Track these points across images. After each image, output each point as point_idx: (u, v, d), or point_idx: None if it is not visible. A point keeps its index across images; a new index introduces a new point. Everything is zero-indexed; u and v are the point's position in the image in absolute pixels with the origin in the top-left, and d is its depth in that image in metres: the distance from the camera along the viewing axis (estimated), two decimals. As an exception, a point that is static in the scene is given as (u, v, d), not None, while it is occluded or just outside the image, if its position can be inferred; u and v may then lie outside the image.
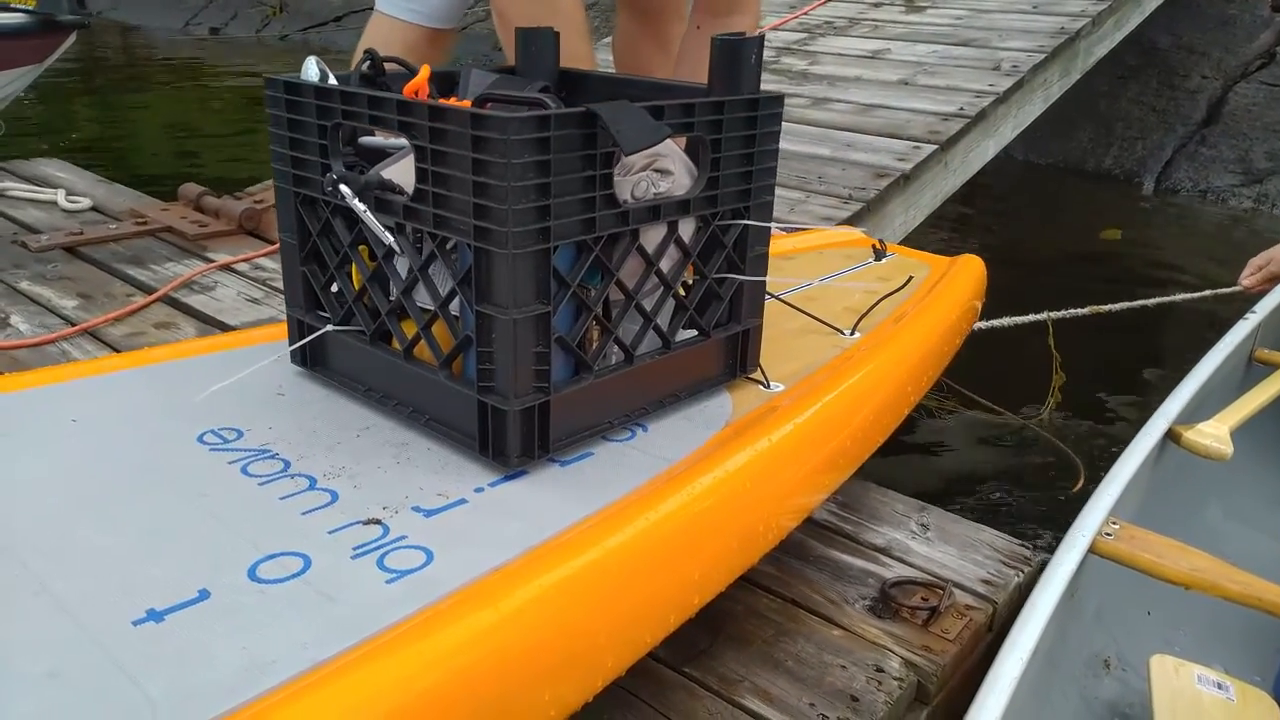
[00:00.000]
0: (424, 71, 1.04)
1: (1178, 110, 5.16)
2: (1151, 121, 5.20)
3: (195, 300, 2.05)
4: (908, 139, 2.67)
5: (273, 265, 2.28)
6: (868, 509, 1.45)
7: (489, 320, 0.96)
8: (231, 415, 1.12)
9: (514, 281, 0.94)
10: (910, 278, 1.63)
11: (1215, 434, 1.51)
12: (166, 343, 1.84)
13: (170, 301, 2.04)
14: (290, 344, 1.22)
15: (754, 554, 1.09)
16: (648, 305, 1.11)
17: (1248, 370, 1.91)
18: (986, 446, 2.44)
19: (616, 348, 1.10)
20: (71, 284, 2.10)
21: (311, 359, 1.21)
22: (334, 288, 1.16)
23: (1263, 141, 4.86)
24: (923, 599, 1.24)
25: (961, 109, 2.77)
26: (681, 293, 1.16)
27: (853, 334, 1.47)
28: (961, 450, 2.42)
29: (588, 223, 0.99)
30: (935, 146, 2.60)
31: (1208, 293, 2.25)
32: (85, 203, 2.61)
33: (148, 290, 2.09)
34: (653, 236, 1.09)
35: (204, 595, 0.79)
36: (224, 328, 1.92)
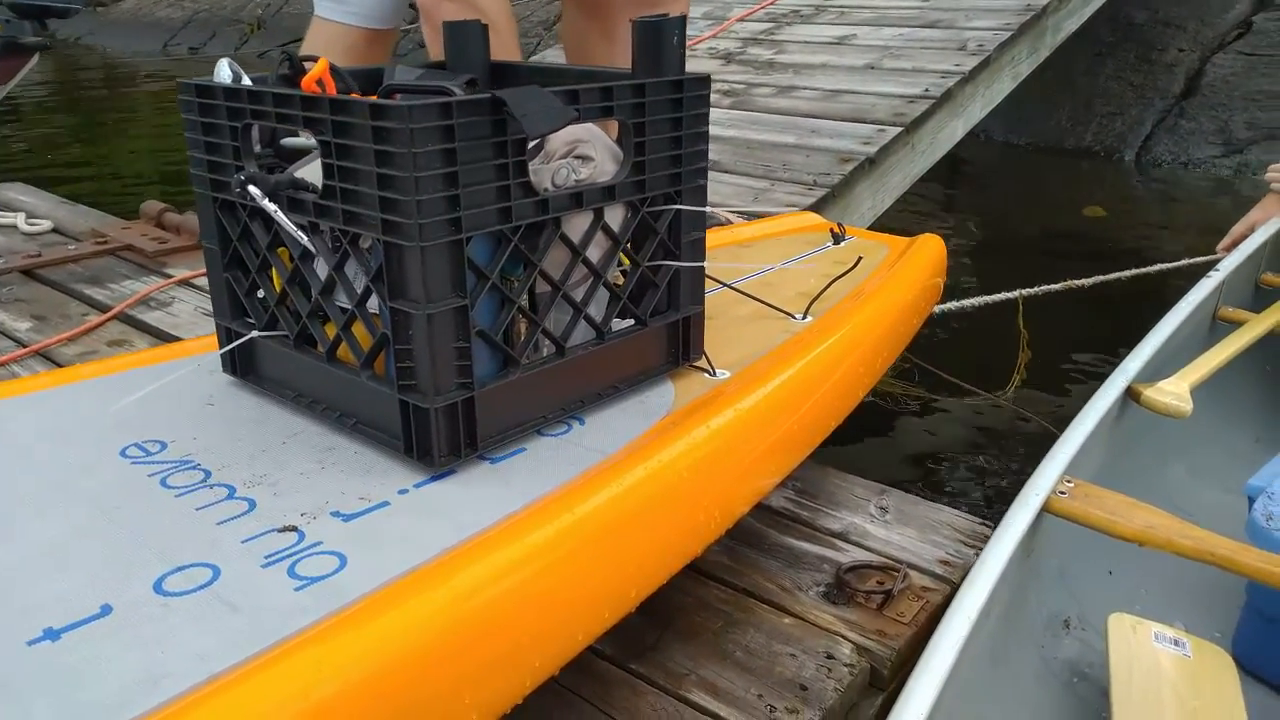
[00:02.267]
0: (322, 63, 1.02)
1: (1156, 84, 5.13)
2: (1130, 96, 5.17)
3: (151, 317, 2.02)
4: (872, 123, 2.65)
5: (233, 278, 2.25)
6: (826, 494, 1.42)
7: (404, 316, 0.94)
8: (157, 428, 1.09)
9: (426, 275, 0.91)
10: (860, 258, 1.60)
11: (1175, 391, 1.49)
12: (119, 360, 1.82)
13: (126, 319, 2.02)
14: (221, 352, 1.20)
15: (697, 545, 1.07)
16: (578, 295, 1.08)
17: (1211, 329, 1.89)
18: (955, 427, 2.41)
19: (547, 340, 1.07)
20: (27, 306, 2.08)
21: (241, 367, 1.19)
22: (259, 293, 1.14)
23: (1242, 111, 4.83)
24: (878, 583, 1.21)
25: (927, 90, 2.75)
26: (620, 282, 1.14)
27: (804, 318, 1.45)
28: (929, 433, 2.39)
29: (504, 212, 0.96)
30: (900, 129, 2.57)
31: (1184, 262, 2.22)
32: (45, 225, 2.58)
33: (104, 309, 2.06)
34: (578, 225, 1.06)
35: (105, 611, 0.77)
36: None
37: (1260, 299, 2.03)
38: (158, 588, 0.80)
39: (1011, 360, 2.51)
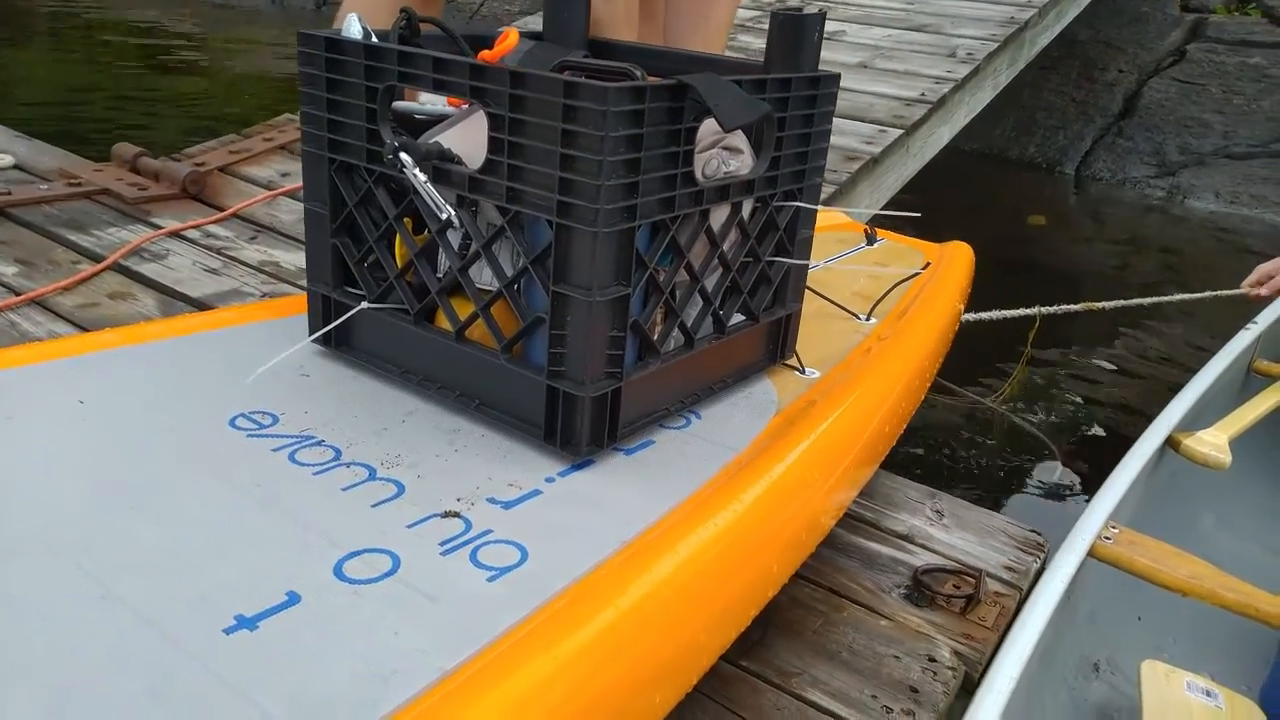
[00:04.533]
0: (512, 36, 0.97)
1: (1096, 102, 5.35)
2: (1072, 112, 5.37)
3: (148, 269, 1.91)
4: (873, 122, 2.68)
5: (225, 233, 2.14)
6: (882, 496, 1.45)
7: (566, 301, 0.91)
8: (259, 398, 1.03)
9: (597, 261, 0.89)
10: (927, 264, 1.63)
11: (1214, 443, 1.53)
12: (128, 314, 1.72)
13: (121, 270, 1.90)
14: (312, 321, 1.14)
15: (814, 543, 1.08)
16: (708, 288, 1.07)
17: (1246, 380, 1.94)
18: (950, 432, 2.48)
19: (677, 332, 1.06)
20: (8, 248, 1.93)
21: (336, 338, 1.13)
22: (368, 262, 1.09)
23: (1175, 135, 5.08)
24: (954, 586, 1.24)
25: (923, 94, 2.80)
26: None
27: (869, 320, 1.46)
28: (926, 435, 2.46)
29: (668, 201, 0.94)
30: (901, 131, 2.62)
31: (1207, 294, 2.28)
32: (7, 160, 2.41)
33: (93, 257, 1.94)
34: (718, 217, 1.05)
35: (294, 599, 0.73)
36: (186, 299, 1.80)
37: None
38: (340, 574, 0.76)
39: (992, 368, 2.59)
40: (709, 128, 1.06)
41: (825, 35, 3.17)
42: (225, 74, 6.25)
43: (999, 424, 2.44)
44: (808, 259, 1.21)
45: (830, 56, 3.17)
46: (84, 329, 1.66)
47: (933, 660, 1.10)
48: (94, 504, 0.82)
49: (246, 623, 0.70)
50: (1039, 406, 2.60)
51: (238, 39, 7.33)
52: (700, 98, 0.87)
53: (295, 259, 2.02)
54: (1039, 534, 1.40)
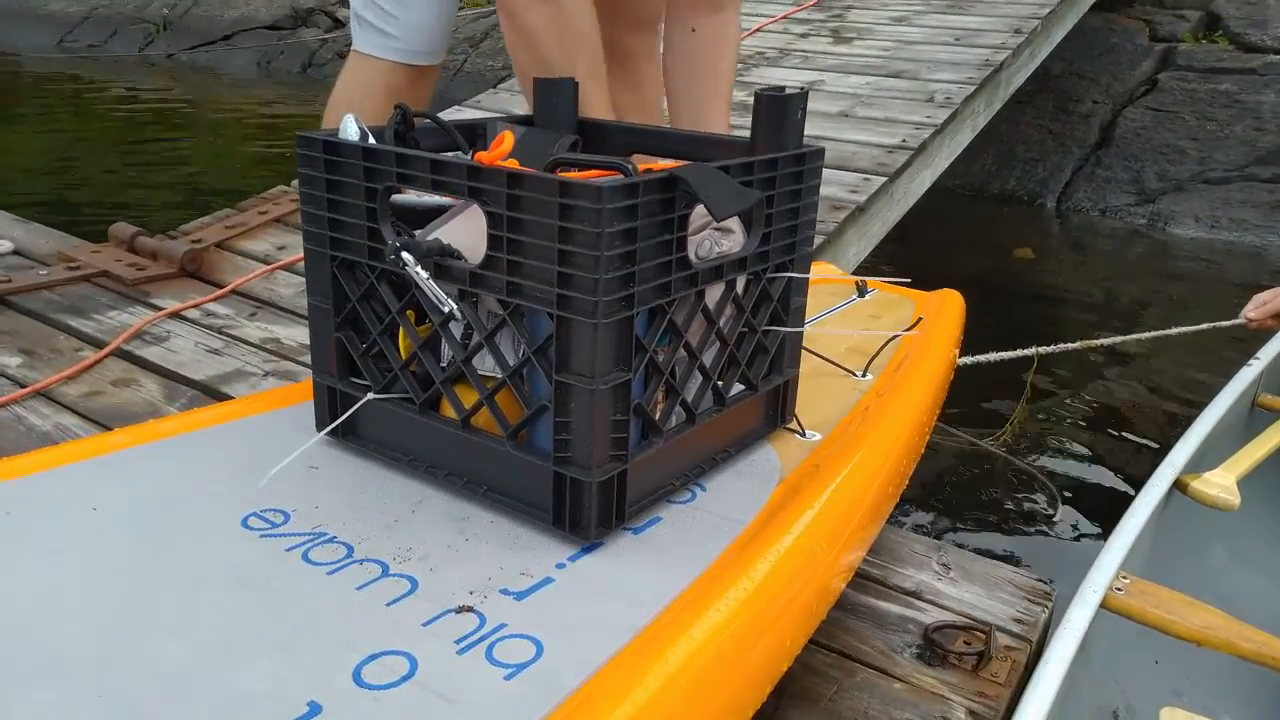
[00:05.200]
0: (507, 141, 1.00)
1: (1073, 133, 5.43)
2: (1050, 145, 5.45)
3: (150, 353, 1.93)
4: (856, 170, 2.73)
5: (225, 310, 2.17)
6: (888, 550, 1.46)
7: (569, 390, 0.93)
8: (270, 496, 1.05)
9: (598, 350, 0.91)
10: (920, 319, 1.65)
11: (1222, 484, 1.52)
12: (132, 401, 1.73)
13: (123, 354, 1.92)
14: (318, 412, 1.16)
15: (824, 611, 1.09)
16: (706, 362, 1.09)
17: (1250, 416, 1.92)
18: (951, 476, 2.49)
19: (678, 408, 1.08)
20: (10, 339, 1.95)
21: (343, 429, 1.15)
22: (372, 353, 1.10)
23: (1152, 163, 5.16)
24: (965, 643, 1.25)
25: (904, 141, 2.85)
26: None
27: (865, 376, 1.48)
28: (927, 481, 2.47)
29: (664, 287, 0.97)
30: (884, 178, 2.66)
31: (1206, 325, 2.27)
32: (7, 246, 2.43)
33: (94, 343, 1.96)
34: (713, 295, 1.07)
35: (315, 709, 0.74)
36: (189, 383, 1.81)
37: None
38: (358, 680, 0.77)
39: (986, 407, 2.61)
40: (701, 211, 1.09)
41: (806, 85, 3.19)
42: (214, 143, 6.32)
43: (1000, 466, 2.45)
44: (802, 325, 1.23)
45: (812, 106, 3.22)
46: (89, 418, 1.67)
47: (947, 722, 1.11)
48: (109, 620, 0.83)
49: (271, 736, 0.71)
50: (1040, 446, 2.62)
51: (225, 106, 7.41)
52: (691, 189, 0.90)
53: (296, 334, 2.04)
54: (1046, 583, 1.42)
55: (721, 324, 1.09)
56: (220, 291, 2.25)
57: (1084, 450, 2.65)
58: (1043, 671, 1.09)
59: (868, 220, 2.62)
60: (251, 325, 2.09)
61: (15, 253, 2.43)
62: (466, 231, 1.01)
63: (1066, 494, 2.37)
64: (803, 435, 1.27)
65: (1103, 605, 1.24)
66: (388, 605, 0.87)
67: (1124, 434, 2.75)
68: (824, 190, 2.64)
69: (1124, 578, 1.28)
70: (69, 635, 0.81)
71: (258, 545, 0.96)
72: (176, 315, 2.12)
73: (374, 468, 1.11)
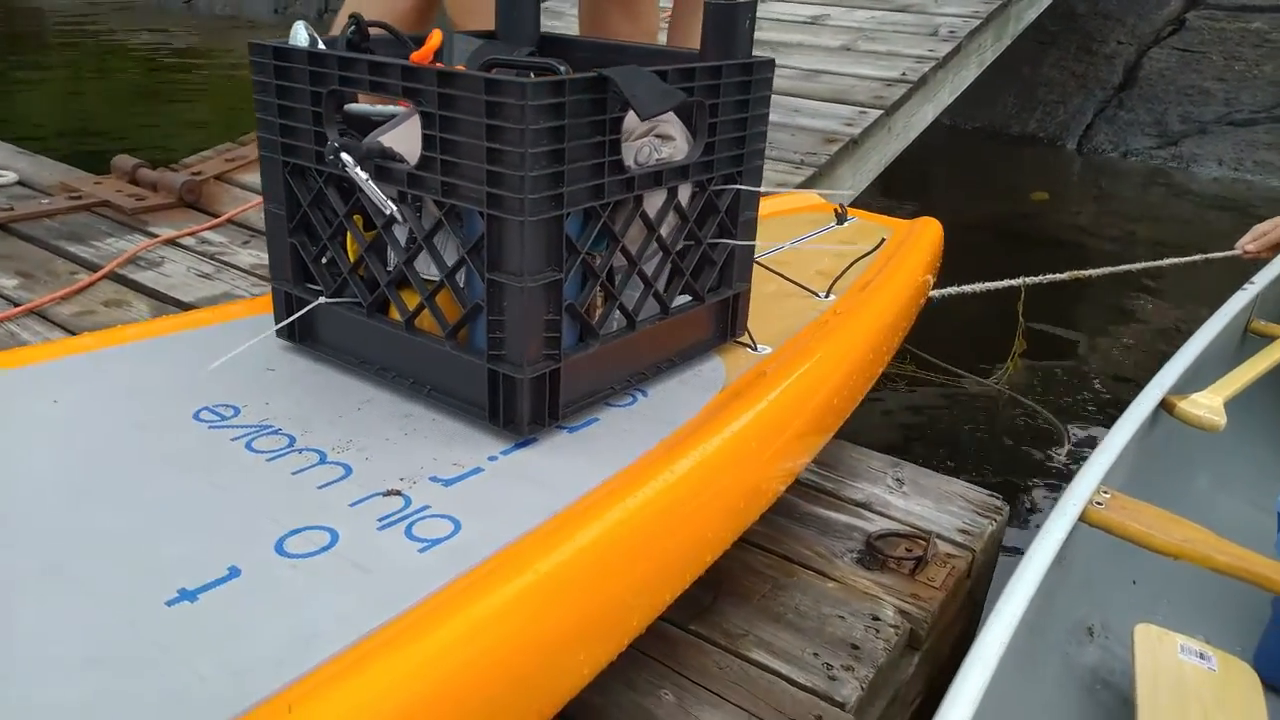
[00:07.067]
0: (435, 37, 1.02)
1: (1096, 75, 5.32)
2: (1072, 86, 5.35)
3: (144, 277, 1.98)
4: (853, 104, 2.71)
5: (219, 239, 2.21)
6: (845, 466, 1.49)
7: (501, 288, 0.96)
8: (224, 392, 1.09)
9: (527, 249, 0.93)
10: (882, 240, 1.66)
11: (1209, 405, 1.50)
12: (122, 321, 1.78)
13: (117, 278, 1.97)
14: (277, 318, 1.20)
15: (755, 511, 1.12)
16: (648, 271, 1.12)
17: (1243, 341, 1.89)
18: (947, 410, 2.50)
19: (618, 314, 1.10)
20: (9, 262, 2.01)
21: (300, 333, 1.19)
22: (325, 258, 1.14)
23: (1176, 105, 5.05)
24: (907, 549, 1.28)
25: (904, 74, 2.82)
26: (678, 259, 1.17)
27: (828, 296, 1.50)
28: (923, 413, 2.48)
29: (596, 189, 0.99)
30: (880, 111, 2.64)
31: (1198, 257, 2.22)
32: (11, 177, 2.49)
33: (91, 267, 2.01)
34: (653, 202, 1.09)
35: (234, 573, 0.78)
36: (179, 304, 1.86)
37: None
38: (280, 550, 0.82)
39: (988, 344, 2.60)
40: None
41: (810, 20, 3.18)
42: (228, 82, 6.34)
43: (1001, 402, 2.45)
44: (753, 239, 1.25)
45: (814, 40, 3.20)
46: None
47: (876, 619, 1.14)
48: (54, 498, 0.88)
49: (188, 595, 0.75)
50: (1041, 381, 2.61)
51: (241, 50, 7.43)
52: (618, 88, 0.92)
53: (284, 261, 2.07)
54: (998, 498, 1.44)
55: (663, 232, 1.11)
56: (216, 220, 2.29)
57: (1086, 382, 2.65)
58: (1017, 580, 1.09)
59: (863, 154, 2.61)
60: (244, 252, 2.13)
61: (19, 183, 2.49)
62: (408, 136, 1.03)
63: (1068, 424, 2.37)
64: (754, 349, 1.30)
65: (1082, 519, 1.24)
66: (319, 488, 0.91)
67: (1126, 365, 2.74)
68: (818, 123, 2.65)
69: (1105, 492, 1.27)
70: (14, 510, 0.86)
71: (205, 435, 1.01)
72: (172, 242, 2.16)
73: (327, 370, 1.15)
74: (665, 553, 0.94)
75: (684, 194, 1.13)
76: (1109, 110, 5.21)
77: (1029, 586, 1.08)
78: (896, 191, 4.45)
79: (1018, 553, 1.18)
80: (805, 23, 3.37)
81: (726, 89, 1.11)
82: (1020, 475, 2.22)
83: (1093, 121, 5.20)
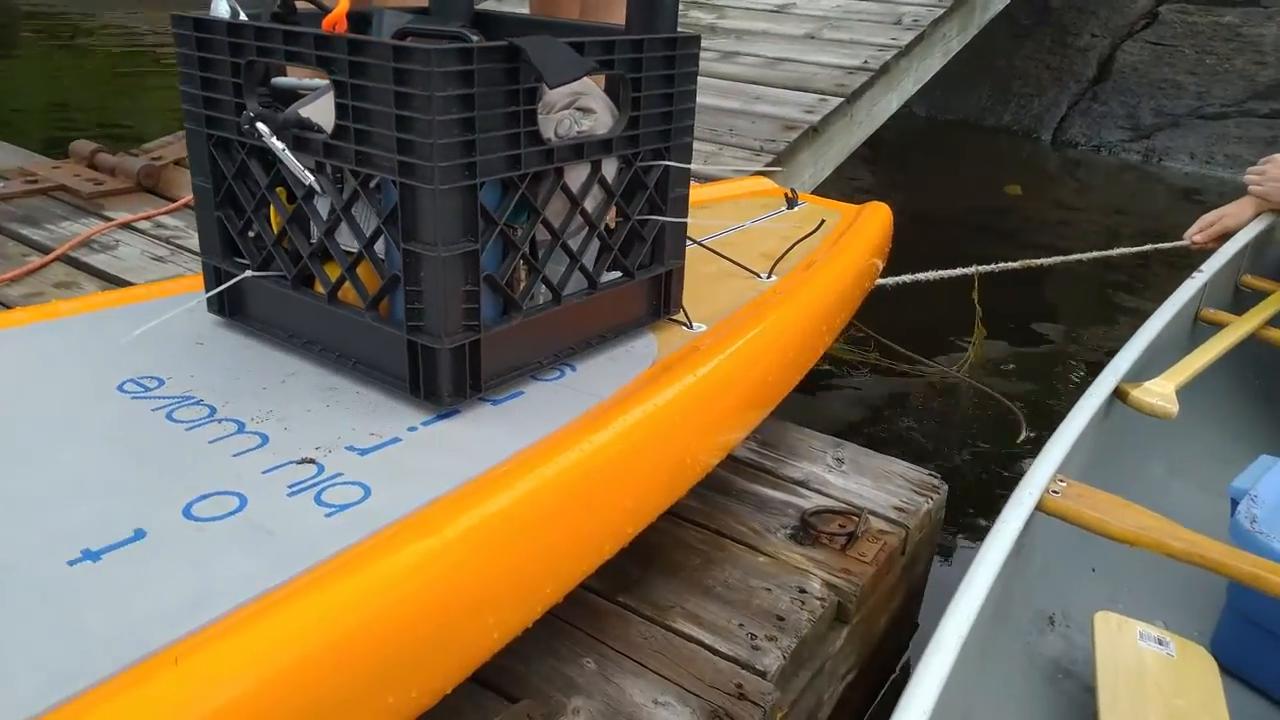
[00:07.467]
0: (342, 4, 1.03)
1: (1071, 68, 5.35)
2: (1047, 79, 5.38)
3: (97, 260, 1.97)
4: (814, 92, 2.72)
5: (175, 223, 2.21)
6: (787, 446, 1.50)
7: (417, 259, 0.96)
8: (151, 365, 1.09)
9: (440, 218, 0.94)
10: (822, 222, 1.67)
11: (1161, 392, 1.52)
12: (69, 302, 1.78)
13: (70, 261, 1.97)
14: (207, 292, 1.20)
15: (682, 486, 1.13)
16: (573, 245, 1.12)
17: (1193, 329, 1.91)
18: (906, 396, 2.51)
19: (544, 288, 1.11)
20: (-40, 245, 2.00)
21: (230, 308, 1.19)
22: (252, 232, 1.14)
23: (1149, 98, 5.08)
24: (840, 526, 1.29)
25: (865, 62, 2.83)
26: (605, 234, 1.18)
27: (769, 277, 1.51)
28: (883, 400, 2.49)
29: (513, 159, 0.99)
30: (841, 99, 2.65)
31: (1149, 247, 2.25)
32: (-32, 161, 2.48)
33: (44, 250, 2.00)
34: (576, 176, 1.10)
35: (140, 535, 0.79)
36: (129, 287, 1.86)
37: (1240, 300, 2.04)
38: (188, 513, 0.82)
39: (953, 334, 2.62)
40: (564, 89, 1.11)
41: (776, 8, 3.19)
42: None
43: (962, 390, 2.46)
44: (684, 216, 1.26)
45: (778, 29, 3.21)
46: (25, 317, 1.72)
47: (803, 591, 1.15)
48: (-29, 461, 0.88)
49: (90, 555, 0.76)
50: (1002, 369, 2.63)
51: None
52: (527, 57, 0.92)
53: (239, 245, 2.07)
54: (936, 477, 1.45)
55: (589, 207, 1.12)
56: (173, 205, 2.28)
57: (1044, 370, 2.67)
58: (975, 569, 1.09)
59: (824, 142, 2.62)
60: (200, 236, 2.13)
61: (-23, 167, 2.47)
62: (329, 108, 1.04)
63: (1028, 413, 2.39)
64: (689, 326, 1.30)
65: (1039, 508, 1.24)
66: (234, 456, 0.92)
67: (1084, 354, 2.77)
68: (778, 110, 2.66)
69: (1061, 481, 1.28)
70: (-76, 476, 0.86)
71: (127, 405, 1.01)
72: (127, 226, 2.16)
73: (257, 344, 1.16)
74: (581, 522, 0.94)
75: (611, 169, 1.14)
76: (1083, 103, 5.24)
77: (987, 576, 1.08)
78: (869, 182, 4.47)
79: (976, 542, 1.17)
80: (772, 11, 3.38)
81: (650, 64, 1.12)
82: (979, 462, 2.24)
83: (1067, 114, 5.23)
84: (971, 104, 5.45)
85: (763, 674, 1.03)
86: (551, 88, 0.97)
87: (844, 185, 4.26)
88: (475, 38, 0.96)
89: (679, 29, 1.18)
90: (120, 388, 1.04)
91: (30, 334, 1.17)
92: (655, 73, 1.13)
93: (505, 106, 0.96)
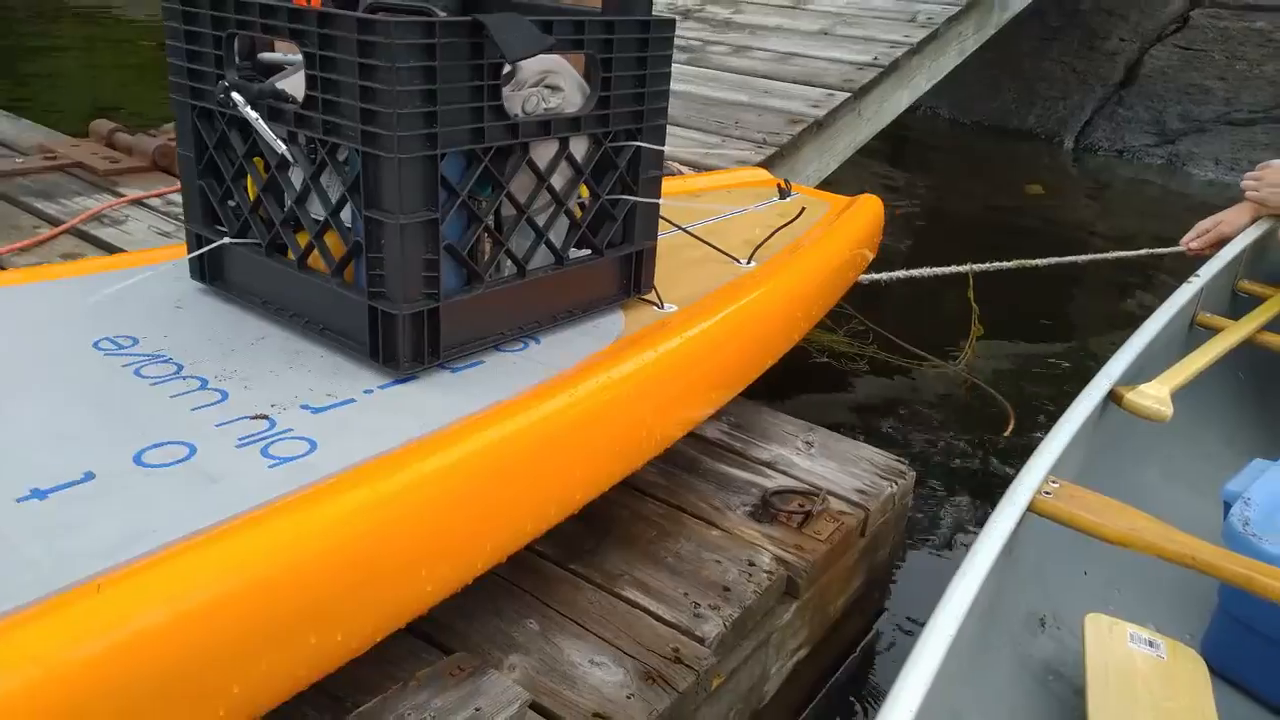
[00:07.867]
0: None
1: (1097, 71, 5.30)
2: (1072, 82, 5.33)
3: (105, 233, 2.03)
4: (822, 87, 2.73)
5: (187, 199, 2.26)
6: (759, 429, 1.52)
7: (378, 226, 1.00)
8: (128, 325, 1.14)
9: (401, 187, 0.97)
10: (802, 210, 1.69)
11: (1156, 395, 1.51)
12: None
13: (79, 234, 2.03)
14: (189, 257, 1.24)
15: (638, 458, 1.15)
16: (540, 221, 1.15)
17: (1189, 333, 1.91)
18: (902, 389, 2.52)
19: (509, 261, 1.14)
20: (-24, 215, 2.07)
21: (210, 273, 1.23)
22: (232, 201, 1.18)
23: (1175, 103, 5.03)
24: (799, 505, 1.31)
25: (875, 59, 2.84)
26: (580, 213, 1.20)
27: (748, 263, 1.53)
28: (877, 392, 2.50)
29: (476, 133, 1.02)
30: (848, 94, 2.66)
31: (1144, 251, 2.24)
32: (-9, 136, 2.55)
33: (56, 223, 2.06)
34: (544, 153, 1.12)
35: (88, 477, 0.83)
36: (134, 257, 1.91)
37: (1236, 305, 2.03)
38: (138, 460, 0.86)
39: (954, 331, 2.62)
40: (534, 66, 1.13)
41: (792, 4, 3.19)
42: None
43: (959, 385, 2.46)
44: (656, 197, 1.28)
45: (792, 24, 3.22)
46: (31, 284, 1.78)
47: (752, 564, 1.17)
48: (-58, 406, 0.93)
49: (38, 494, 0.80)
50: (1000, 367, 2.62)
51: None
52: (489, 31, 0.95)
53: (244, 222, 2.12)
54: (904, 463, 1.47)
55: (557, 183, 1.14)
56: (185, 182, 2.33)
57: (1041, 372, 2.66)
58: (965, 569, 1.08)
59: (830, 136, 2.63)
60: (208, 212, 2.18)
61: None
62: (302, 80, 1.07)
63: (1022, 412, 2.38)
64: (660, 306, 1.33)
65: (1031, 508, 1.24)
66: (192, 410, 0.95)
67: (1082, 356, 2.75)
68: (785, 104, 2.67)
69: (1053, 482, 1.27)
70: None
71: (99, 362, 1.05)
72: (138, 202, 2.22)
73: (233, 309, 1.20)
74: (525, 486, 0.97)
75: (581, 148, 1.17)
76: (1108, 107, 5.19)
77: (977, 575, 1.07)
78: (894, 179, 4.46)
79: (963, 537, 1.17)
80: (788, 7, 3.39)
81: (622, 45, 1.14)
82: (972, 460, 2.24)
83: (1091, 118, 5.18)
84: (996, 107, 5.42)
85: (701, 640, 1.05)
86: (509, 62, 1.00)
87: (865, 185, 4.26)
88: (441, 13, 0.99)
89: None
90: (96, 344, 1.08)
91: (20, 293, 1.21)
92: (628, 54, 1.15)
93: (469, 80, 0.99)
